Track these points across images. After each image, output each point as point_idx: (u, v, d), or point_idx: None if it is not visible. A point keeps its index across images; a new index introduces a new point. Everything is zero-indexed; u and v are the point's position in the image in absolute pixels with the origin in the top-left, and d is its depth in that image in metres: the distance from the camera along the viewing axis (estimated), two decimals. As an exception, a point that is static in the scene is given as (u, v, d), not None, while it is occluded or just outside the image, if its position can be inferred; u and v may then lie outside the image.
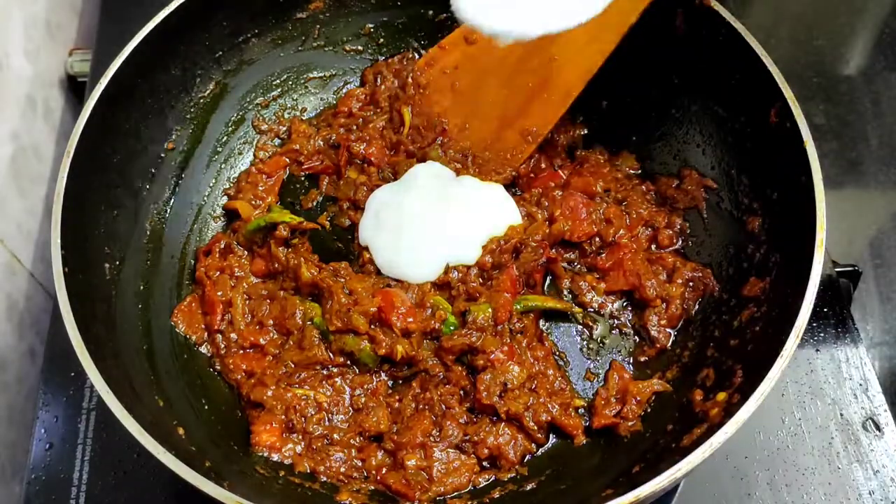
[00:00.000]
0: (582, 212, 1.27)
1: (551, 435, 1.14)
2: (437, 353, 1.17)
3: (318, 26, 1.44)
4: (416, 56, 1.46)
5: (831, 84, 1.75)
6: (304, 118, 1.46)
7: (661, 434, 1.08)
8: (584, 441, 1.13)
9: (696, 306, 1.22)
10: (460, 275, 1.23)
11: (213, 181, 1.37)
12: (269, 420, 1.12)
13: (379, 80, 1.44)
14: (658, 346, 1.20)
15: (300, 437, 1.13)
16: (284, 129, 1.44)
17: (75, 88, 1.68)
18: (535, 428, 1.12)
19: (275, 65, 1.44)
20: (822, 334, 1.29)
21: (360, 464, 1.12)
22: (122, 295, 1.16)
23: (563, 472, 1.10)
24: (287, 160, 1.40)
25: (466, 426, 1.13)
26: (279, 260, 1.24)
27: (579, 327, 1.25)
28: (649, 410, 1.14)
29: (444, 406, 1.15)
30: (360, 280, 1.21)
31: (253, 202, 1.34)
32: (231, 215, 1.35)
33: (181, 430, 1.05)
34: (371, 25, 1.47)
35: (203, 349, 1.22)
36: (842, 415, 1.22)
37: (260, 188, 1.37)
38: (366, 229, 1.30)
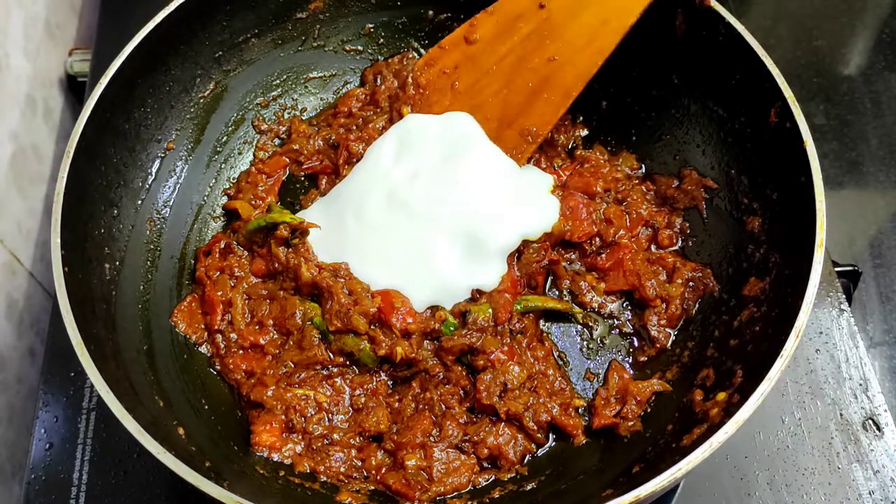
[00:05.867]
0: (582, 212, 1.27)
1: (551, 435, 1.14)
2: (437, 353, 1.17)
3: (318, 26, 1.44)
4: (416, 56, 1.46)
5: (831, 84, 1.75)
6: (303, 118, 1.46)
7: (661, 434, 1.08)
8: (584, 441, 1.13)
9: (696, 306, 1.22)
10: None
11: (213, 181, 1.37)
12: (269, 420, 1.12)
13: (379, 80, 1.44)
14: (658, 346, 1.20)
15: (300, 437, 1.13)
16: (284, 129, 1.44)
17: (75, 88, 1.68)
18: (535, 428, 1.12)
19: (275, 65, 1.44)
20: (822, 334, 1.29)
21: (360, 464, 1.12)
22: (122, 295, 1.16)
23: (563, 472, 1.10)
24: (287, 160, 1.40)
25: (466, 426, 1.13)
26: (279, 260, 1.24)
27: (579, 327, 1.25)
28: (649, 410, 1.14)
29: (444, 406, 1.15)
30: (360, 280, 1.21)
31: (253, 202, 1.34)
32: (231, 215, 1.35)
33: (181, 430, 1.05)
34: (371, 25, 1.47)
35: (203, 349, 1.22)
36: (842, 415, 1.22)
37: (260, 188, 1.37)
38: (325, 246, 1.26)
